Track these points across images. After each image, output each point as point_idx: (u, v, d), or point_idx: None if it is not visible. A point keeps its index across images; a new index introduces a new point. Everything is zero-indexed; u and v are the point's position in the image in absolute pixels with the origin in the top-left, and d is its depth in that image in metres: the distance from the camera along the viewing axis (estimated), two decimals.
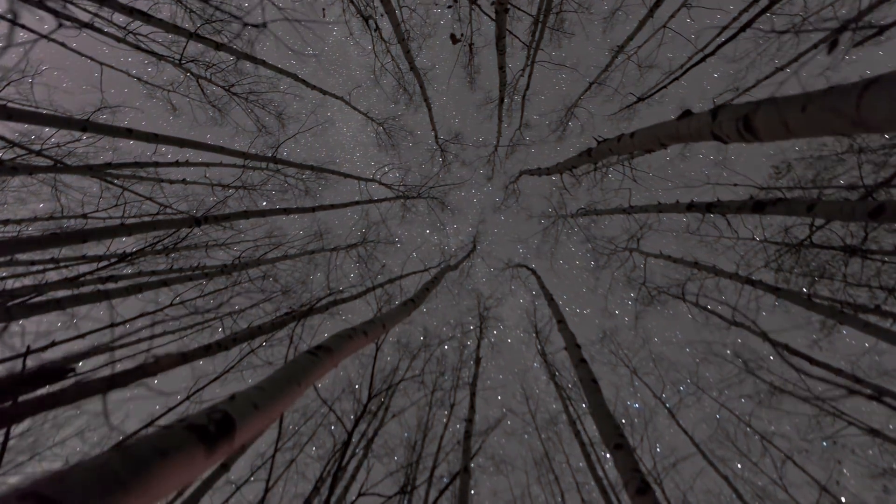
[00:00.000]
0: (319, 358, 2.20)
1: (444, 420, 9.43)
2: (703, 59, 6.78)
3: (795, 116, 1.58)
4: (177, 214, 8.64)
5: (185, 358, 3.92)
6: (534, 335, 10.95)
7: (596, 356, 11.34)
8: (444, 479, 7.89)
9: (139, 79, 8.69)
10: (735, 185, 6.11)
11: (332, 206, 7.92)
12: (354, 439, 9.82)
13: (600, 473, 7.65)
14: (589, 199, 9.88)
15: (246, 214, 5.83)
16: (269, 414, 1.69)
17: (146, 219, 9.24)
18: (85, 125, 4.59)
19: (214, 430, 1.39)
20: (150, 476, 1.05)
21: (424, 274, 10.00)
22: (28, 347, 2.92)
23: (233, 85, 8.76)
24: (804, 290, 7.39)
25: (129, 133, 5.03)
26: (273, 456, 3.35)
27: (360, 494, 4.90)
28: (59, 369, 3.67)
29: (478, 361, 9.39)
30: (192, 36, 5.52)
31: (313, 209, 7.25)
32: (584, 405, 10.01)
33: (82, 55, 7.99)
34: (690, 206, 5.48)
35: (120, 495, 0.95)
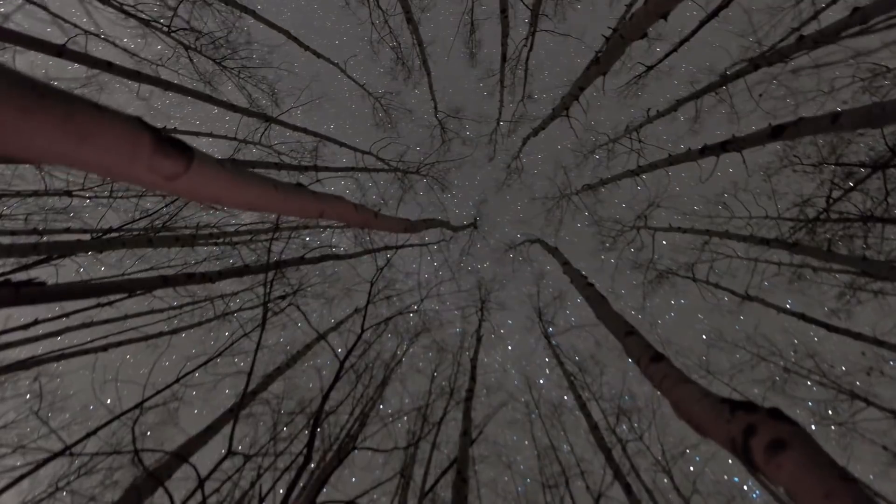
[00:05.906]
0: (301, 191, 1.97)
1: (444, 407, 9.08)
2: (712, 16, 6.64)
3: None
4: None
5: (165, 281, 3.62)
6: (537, 321, 10.64)
7: (602, 342, 10.97)
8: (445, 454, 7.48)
9: (125, 49, 8.47)
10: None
11: (327, 169, 7.69)
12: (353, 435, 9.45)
13: (611, 458, 7.23)
14: (594, 176, 9.68)
15: (234, 164, 5.56)
16: (233, 185, 1.41)
17: (132, 195, 8.98)
18: (61, 50, 4.37)
19: (165, 136, 1.11)
20: (72, 106, 0.80)
21: (422, 248, 9.75)
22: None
23: (224, 58, 8.51)
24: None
25: (108, 66, 4.81)
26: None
27: (353, 448, 4.53)
28: (26, 282, 3.39)
29: (479, 339, 9.08)
30: None
31: (305, 168, 7.02)
32: (588, 394, 9.65)
33: (66, 21, 7.78)
34: (704, 151, 5.24)
35: (30, 98, 0.71)
